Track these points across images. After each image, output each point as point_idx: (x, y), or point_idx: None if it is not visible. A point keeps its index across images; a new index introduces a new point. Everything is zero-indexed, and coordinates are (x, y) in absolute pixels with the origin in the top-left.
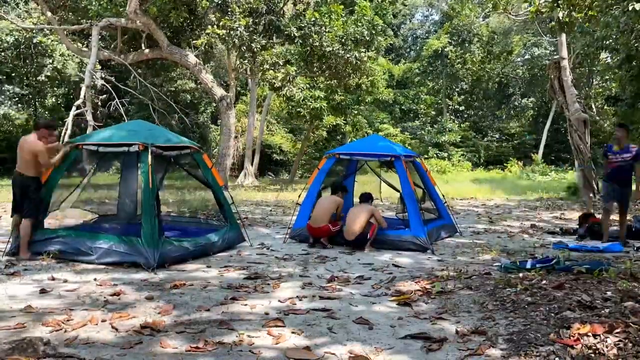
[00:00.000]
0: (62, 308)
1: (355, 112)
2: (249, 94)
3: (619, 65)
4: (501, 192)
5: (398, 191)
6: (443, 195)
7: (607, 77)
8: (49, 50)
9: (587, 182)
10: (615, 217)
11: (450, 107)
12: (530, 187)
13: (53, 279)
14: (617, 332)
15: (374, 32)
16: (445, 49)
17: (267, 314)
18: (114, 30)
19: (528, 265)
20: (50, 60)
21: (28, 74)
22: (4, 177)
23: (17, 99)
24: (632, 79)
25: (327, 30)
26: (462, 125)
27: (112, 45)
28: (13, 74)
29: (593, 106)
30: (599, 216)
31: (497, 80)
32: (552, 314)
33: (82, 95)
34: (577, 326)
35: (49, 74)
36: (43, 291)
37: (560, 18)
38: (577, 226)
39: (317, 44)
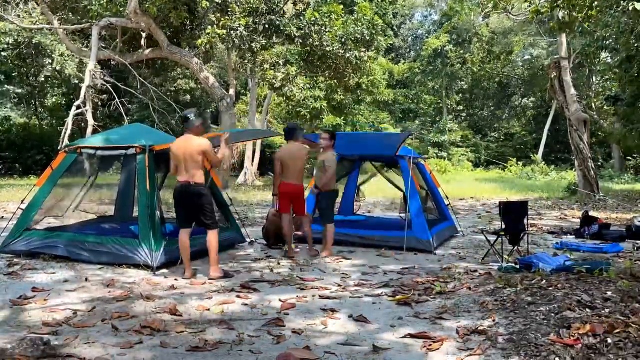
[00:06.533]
0: (62, 308)
1: (355, 112)
2: (249, 94)
3: (619, 65)
4: (502, 192)
5: (401, 190)
6: (447, 197)
7: (607, 77)
8: (49, 51)
9: None
10: (614, 215)
11: (450, 107)
12: (531, 187)
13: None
14: (617, 332)
15: (374, 32)
16: (445, 49)
17: (266, 314)
18: (114, 30)
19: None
20: (50, 61)
21: (28, 74)
22: (4, 177)
23: (17, 99)
24: (632, 79)
25: (327, 30)
26: (462, 125)
27: (112, 45)
28: (13, 74)
29: (593, 106)
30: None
31: (497, 80)
32: (552, 314)
33: (82, 95)
34: (577, 326)
35: (48, 74)
36: (43, 291)
37: (560, 18)
38: (579, 226)
39: (317, 43)
